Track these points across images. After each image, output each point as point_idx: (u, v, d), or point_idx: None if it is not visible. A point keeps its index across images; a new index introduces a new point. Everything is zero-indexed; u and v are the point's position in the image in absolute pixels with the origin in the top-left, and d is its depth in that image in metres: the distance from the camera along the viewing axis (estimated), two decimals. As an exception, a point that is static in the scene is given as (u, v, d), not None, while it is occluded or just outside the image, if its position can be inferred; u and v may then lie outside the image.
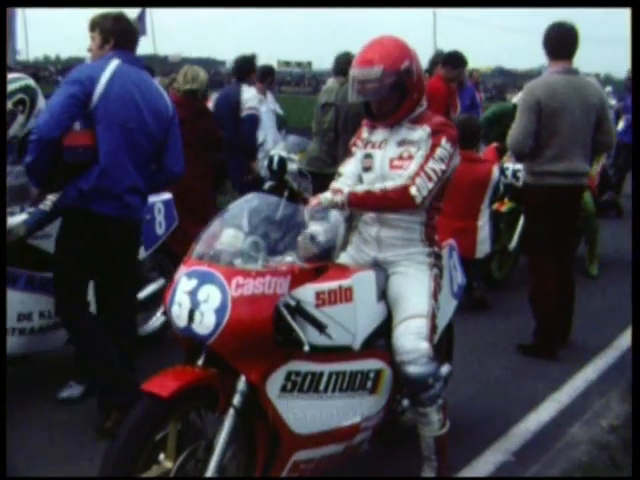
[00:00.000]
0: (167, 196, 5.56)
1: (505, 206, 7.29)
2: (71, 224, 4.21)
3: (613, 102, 10.25)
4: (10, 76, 4.74)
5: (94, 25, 4.30)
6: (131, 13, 4.50)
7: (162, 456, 2.93)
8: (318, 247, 3.28)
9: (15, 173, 4.44)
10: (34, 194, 4.48)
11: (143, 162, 4.25)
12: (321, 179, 3.79)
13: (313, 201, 3.50)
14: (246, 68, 8.32)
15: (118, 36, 4.26)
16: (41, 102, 4.81)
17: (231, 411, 2.95)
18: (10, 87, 4.65)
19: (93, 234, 4.14)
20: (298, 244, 3.23)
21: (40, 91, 4.90)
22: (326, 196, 3.49)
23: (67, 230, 4.23)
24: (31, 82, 4.90)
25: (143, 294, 5.35)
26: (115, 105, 4.09)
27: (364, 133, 3.75)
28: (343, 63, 7.55)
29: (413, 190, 3.37)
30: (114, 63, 4.15)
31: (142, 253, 5.25)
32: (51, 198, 4.36)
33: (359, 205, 3.50)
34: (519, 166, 6.92)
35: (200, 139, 6.60)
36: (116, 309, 4.38)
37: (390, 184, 3.42)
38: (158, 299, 5.54)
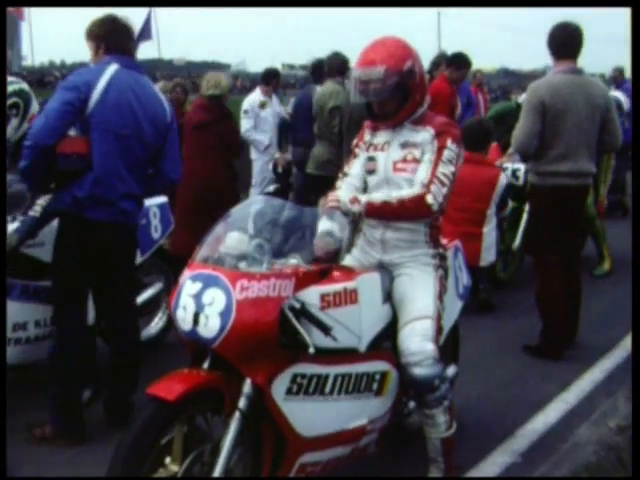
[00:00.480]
0: (162, 200, 5.54)
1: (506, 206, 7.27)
2: (66, 231, 4.19)
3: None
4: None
5: (87, 35, 4.28)
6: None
7: (168, 459, 2.93)
8: (337, 243, 3.30)
9: (8, 181, 4.41)
10: (27, 202, 4.46)
11: (137, 168, 4.20)
12: (332, 183, 3.79)
13: (331, 200, 3.46)
14: (321, 71, 8.21)
15: (107, 39, 4.21)
16: (34, 106, 4.80)
17: (237, 414, 2.94)
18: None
19: (88, 240, 4.11)
20: (316, 242, 3.24)
21: (34, 95, 4.90)
22: (344, 200, 3.44)
23: (63, 237, 4.20)
24: (25, 86, 4.89)
25: (141, 299, 5.34)
26: (111, 112, 4.05)
27: (366, 135, 3.74)
28: (335, 64, 7.58)
29: (429, 198, 3.37)
30: (112, 68, 4.11)
31: (138, 258, 5.25)
32: (40, 203, 4.35)
33: (376, 215, 3.49)
34: (518, 165, 6.93)
35: (221, 141, 6.76)
36: (116, 314, 4.38)
37: (406, 193, 3.41)
38: (155, 304, 5.56)
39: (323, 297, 3.12)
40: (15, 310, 4.35)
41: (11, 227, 4.34)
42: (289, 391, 3.08)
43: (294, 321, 2.95)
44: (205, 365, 3.00)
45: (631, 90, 7.78)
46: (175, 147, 4.41)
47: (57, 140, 3.95)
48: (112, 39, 4.23)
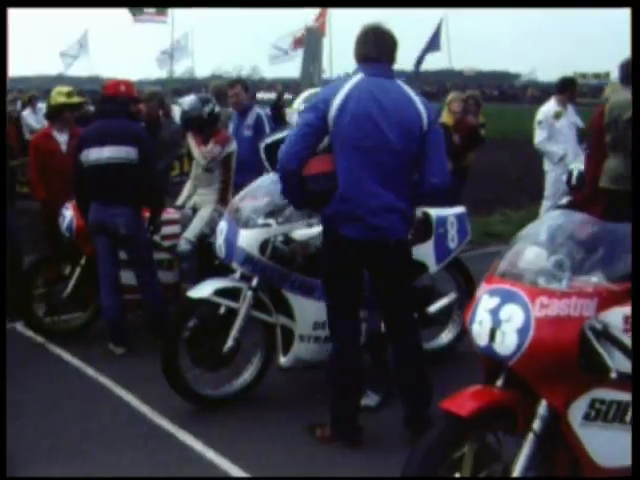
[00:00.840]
0: (460, 210, 5.56)
1: None
2: (325, 244, 4.26)
3: None
4: None
5: None
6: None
7: (458, 475, 2.90)
8: None
9: None
10: None
11: (394, 180, 4.03)
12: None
13: None
14: None
15: (355, 50, 4.18)
16: None
17: (530, 436, 2.86)
18: None
19: (344, 256, 4.12)
20: None
21: None
22: None
23: (325, 250, 4.28)
24: None
25: (434, 308, 5.36)
26: (348, 126, 3.96)
27: None
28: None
29: None
30: (355, 79, 4.04)
31: (434, 267, 5.28)
32: None
33: None
34: None
35: None
36: (395, 329, 4.31)
37: None
38: (448, 314, 5.54)
39: (628, 319, 2.91)
40: (317, 309, 4.50)
41: (316, 230, 4.56)
42: (586, 416, 2.92)
43: (595, 343, 2.79)
44: (499, 382, 2.95)
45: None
46: (437, 150, 4.11)
47: (300, 163, 3.99)
48: (357, 49, 4.18)
